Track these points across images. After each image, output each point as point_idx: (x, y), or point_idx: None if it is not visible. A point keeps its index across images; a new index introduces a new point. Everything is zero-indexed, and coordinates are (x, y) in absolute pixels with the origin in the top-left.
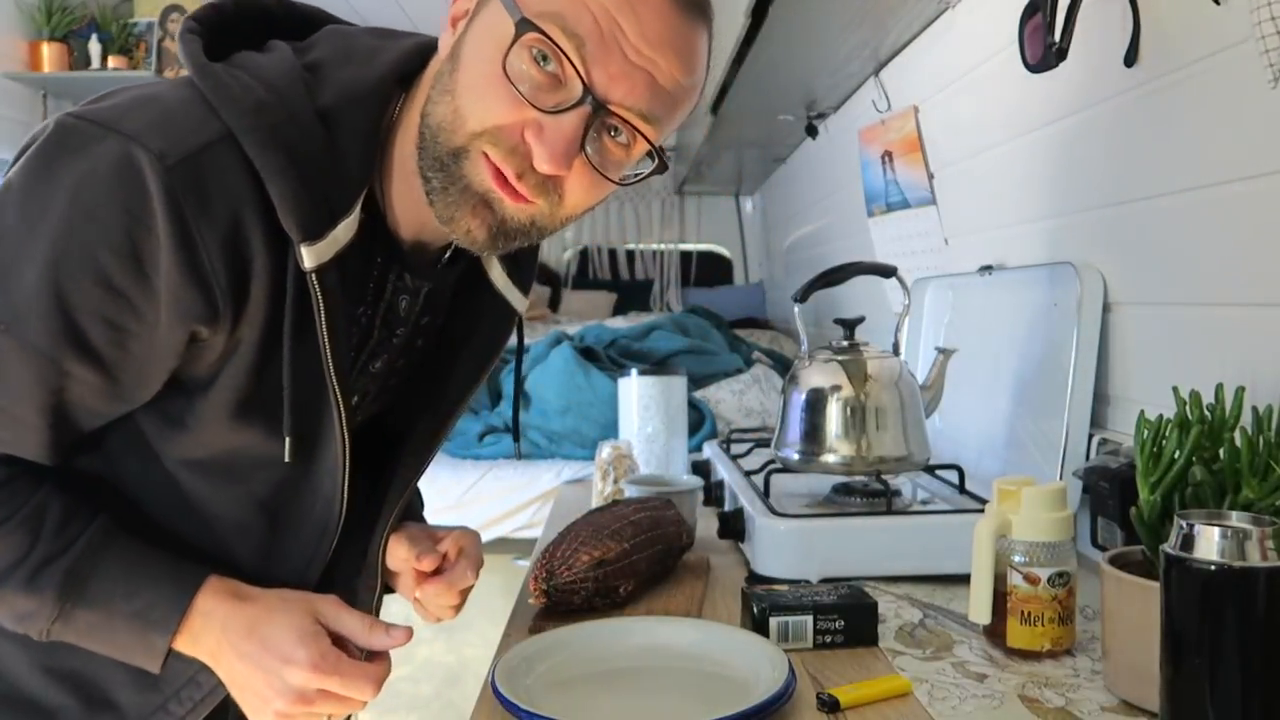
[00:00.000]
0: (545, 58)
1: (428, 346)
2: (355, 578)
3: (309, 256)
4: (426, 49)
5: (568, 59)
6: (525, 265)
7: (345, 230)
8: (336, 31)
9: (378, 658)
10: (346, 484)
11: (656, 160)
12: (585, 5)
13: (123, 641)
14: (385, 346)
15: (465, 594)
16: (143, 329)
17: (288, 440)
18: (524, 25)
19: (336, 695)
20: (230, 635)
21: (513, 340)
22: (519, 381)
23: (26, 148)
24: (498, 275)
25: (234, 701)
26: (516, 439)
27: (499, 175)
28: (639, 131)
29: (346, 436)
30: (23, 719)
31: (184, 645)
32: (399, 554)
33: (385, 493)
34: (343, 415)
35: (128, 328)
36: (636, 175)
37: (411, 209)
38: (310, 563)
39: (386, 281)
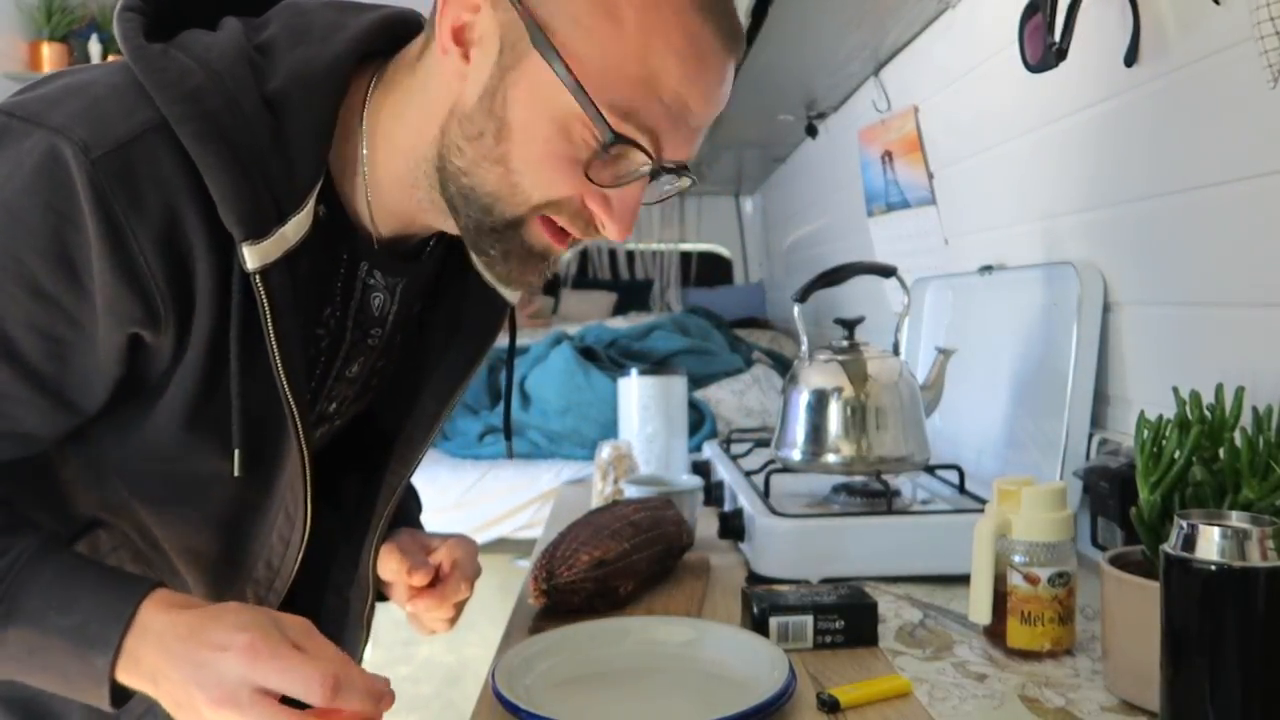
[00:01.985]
0: (611, 141)
1: (409, 339)
2: (348, 587)
3: (252, 257)
4: (393, 23)
5: (644, 150)
6: None
7: (296, 228)
8: (291, 6)
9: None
10: (309, 499)
11: (688, 180)
12: (656, 94)
13: (60, 663)
14: (360, 349)
15: (460, 606)
16: (80, 338)
17: (236, 453)
18: (614, 139)
19: (269, 701)
20: (168, 641)
21: (504, 337)
22: (510, 379)
23: None
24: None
25: None
26: (508, 437)
27: (559, 233)
28: (686, 174)
29: (305, 449)
30: None
31: (126, 669)
32: (390, 565)
33: (375, 497)
34: (299, 427)
35: (64, 338)
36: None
37: (393, 212)
38: (272, 581)
39: (355, 279)
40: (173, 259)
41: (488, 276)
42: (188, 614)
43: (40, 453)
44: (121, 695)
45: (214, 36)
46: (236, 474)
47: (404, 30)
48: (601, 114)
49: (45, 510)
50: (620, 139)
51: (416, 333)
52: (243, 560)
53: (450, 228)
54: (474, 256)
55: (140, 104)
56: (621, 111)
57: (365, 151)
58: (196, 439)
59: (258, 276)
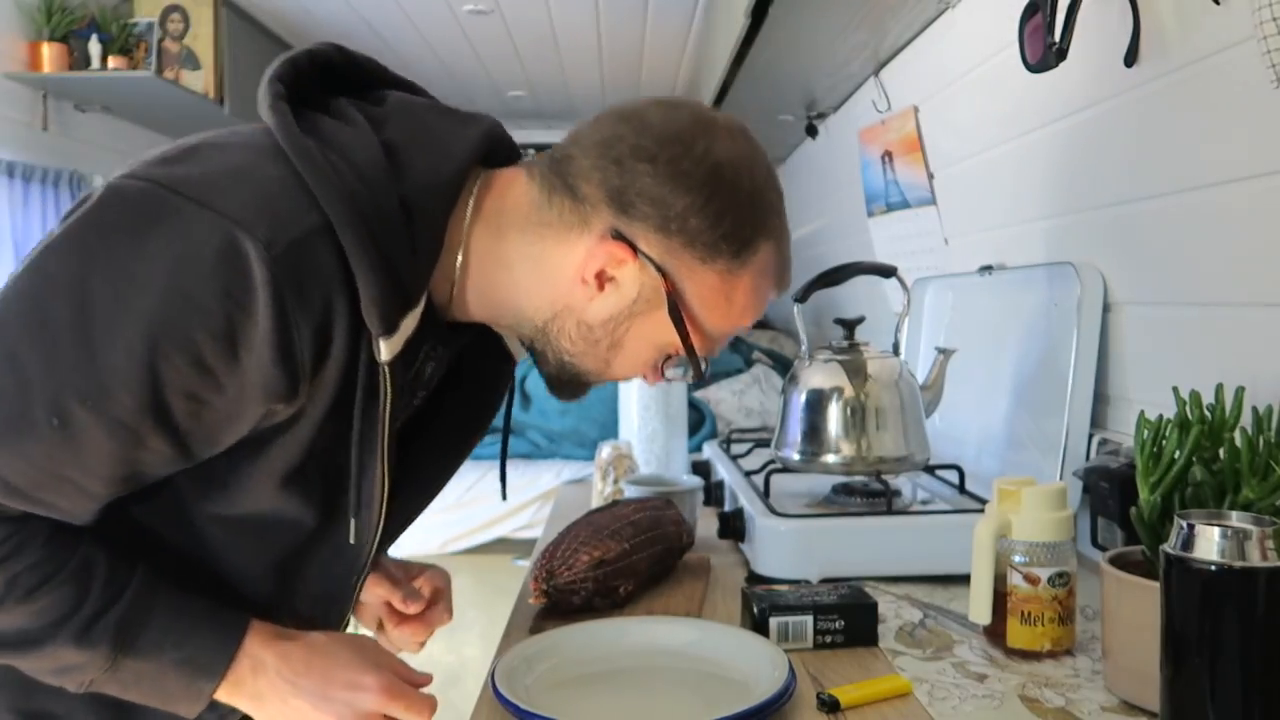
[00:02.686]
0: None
1: (432, 395)
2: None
3: (386, 349)
4: (492, 137)
5: (700, 365)
6: None
7: (412, 320)
8: (405, 107)
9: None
10: (375, 545)
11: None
12: (734, 324)
13: (168, 688)
14: (407, 408)
15: (433, 631)
16: (221, 401)
17: (353, 521)
18: (698, 367)
19: None
20: (286, 674)
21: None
22: (508, 425)
23: (84, 202)
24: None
25: None
26: (504, 481)
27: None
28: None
29: (384, 513)
30: None
31: (226, 691)
32: (376, 590)
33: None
34: (385, 491)
35: (209, 401)
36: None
37: (466, 310)
38: (312, 616)
39: (419, 351)
40: (321, 345)
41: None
42: (293, 646)
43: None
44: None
45: (352, 134)
46: (352, 541)
47: (497, 145)
48: (695, 351)
49: (117, 538)
50: (697, 365)
51: (437, 391)
52: (287, 596)
53: (515, 349)
54: (544, 383)
55: (307, 204)
56: (705, 347)
57: (460, 262)
58: (284, 493)
59: (386, 366)
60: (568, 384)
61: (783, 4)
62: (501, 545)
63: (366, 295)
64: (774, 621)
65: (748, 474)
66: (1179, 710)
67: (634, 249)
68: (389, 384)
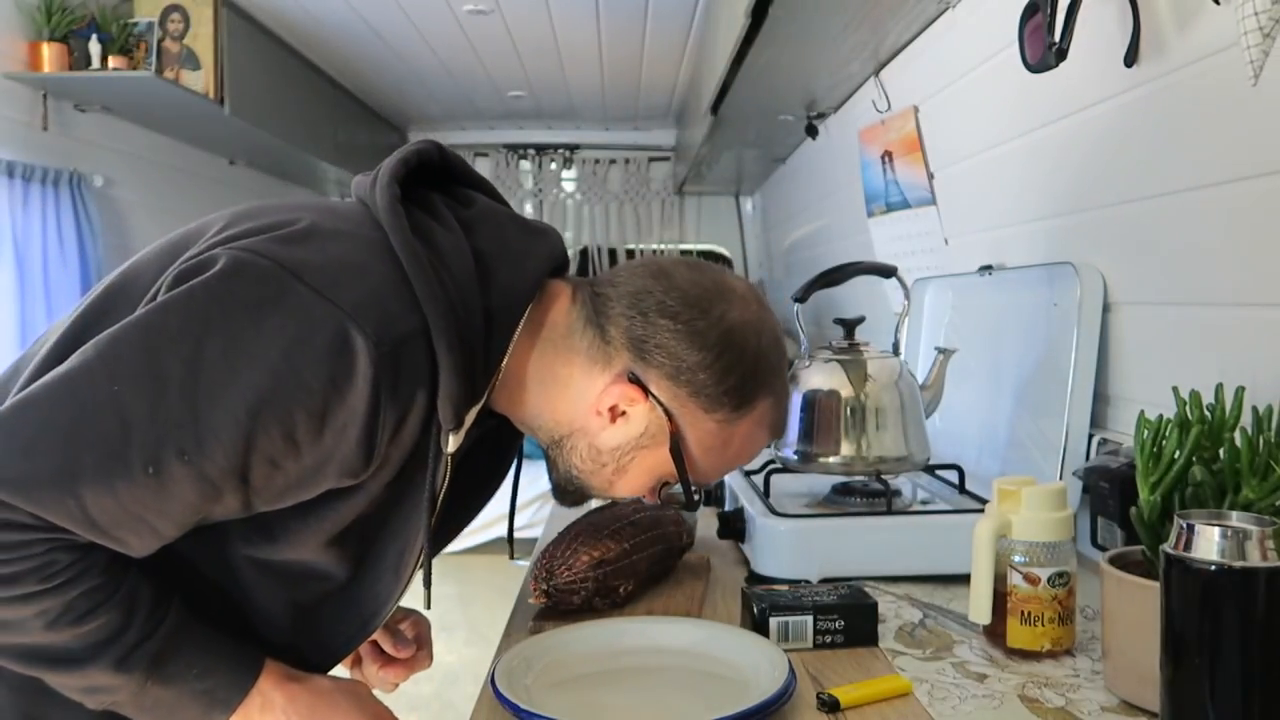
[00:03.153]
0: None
1: None
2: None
3: (453, 442)
4: (556, 253)
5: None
6: None
7: (472, 415)
8: (490, 216)
9: None
10: (396, 604)
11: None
12: (726, 466)
13: (182, 716)
14: None
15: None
16: (295, 468)
17: (428, 591)
18: (691, 500)
19: None
20: (291, 715)
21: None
22: (516, 488)
23: (203, 267)
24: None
25: None
26: (511, 539)
27: None
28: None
29: (413, 574)
30: None
31: None
32: None
33: None
34: (426, 561)
35: (285, 467)
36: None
37: (506, 410)
38: (320, 663)
39: None
40: (397, 431)
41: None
42: (300, 689)
43: None
44: None
45: (451, 241)
46: (427, 609)
47: (559, 267)
48: (692, 494)
49: (157, 567)
50: (691, 503)
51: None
52: (301, 641)
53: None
54: (551, 489)
55: (412, 306)
56: (701, 482)
57: (505, 364)
58: (326, 550)
59: (449, 456)
60: (571, 493)
61: (783, 4)
62: (501, 545)
63: (445, 394)
64: (774, 621)
65: (748, 474)
66: (1179, 710)
67: (646, 392)
68: (448, 470)
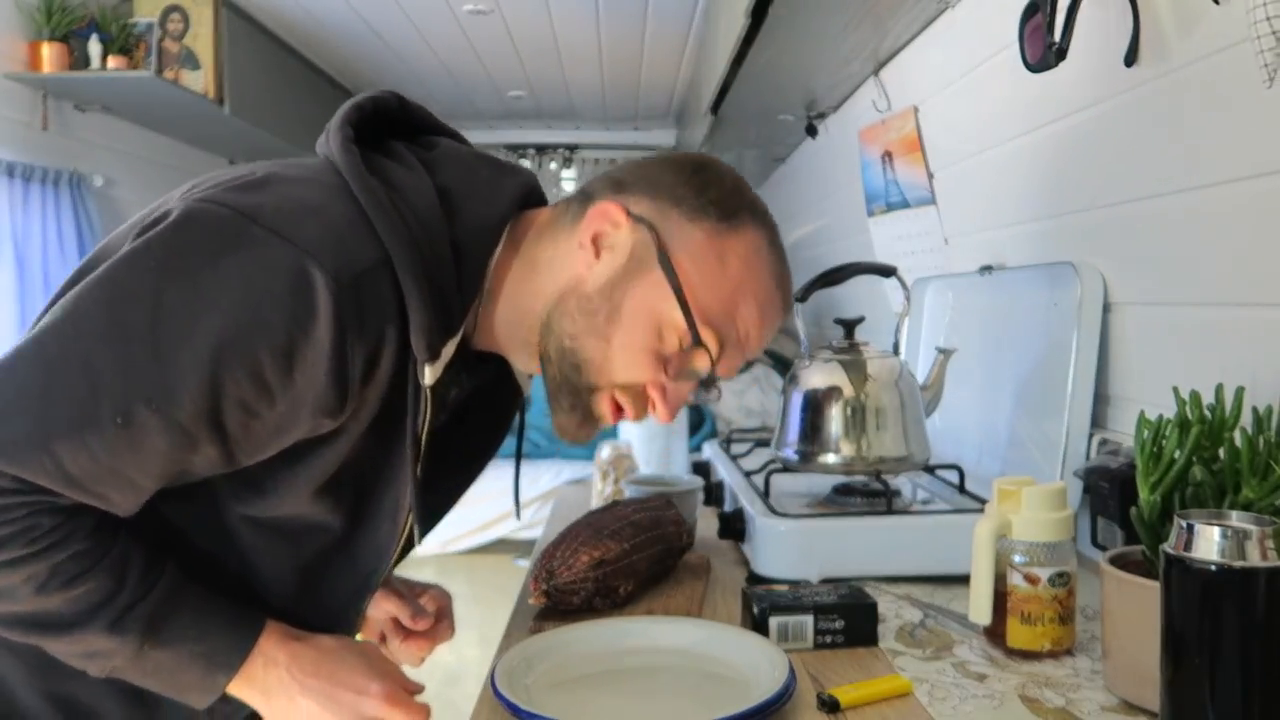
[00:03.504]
0: (691, 347)
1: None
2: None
3: (430, 374)
4: (530, 188)
5: (711, 359)
6: None
7: (451, 348)
8: (455, 156)
9: None
10: (397, 552)
11: (718, 394)
12: (736, 324)
13: (184, 679)
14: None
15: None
16: (272, 414)
17: (417, 528)
18: (697, 339)
19: None
20: (295, 673)
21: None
22: (520, 452)
23: (161, 220)
24: (518, 370)
25: None
26: (517, 503)
27: (618, 411)
28: (719, 386)
29: (410, 520)
30: None
31: (238, 685)
32: (384, 606)
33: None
34: (414, 503)
35: (260, 413)
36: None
37: (497, 341)
38: (328, 621)
39: (449, 376)
40: (369, 368)
41: (554, 421)
42: (305, 648)
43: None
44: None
45: (412, 179)
46: (417, 544)
47: (533, 196)
48: (694, 320)
49: (152, 533)
50: (699, 343)
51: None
52: (308, 599)
53: (530, 368)
54: (546, 395)
55: (371, 241)
56: (706, 324)
57: (489, 291)
58: (316, 501)
59: (428, 389)
60: (570, 391)
61: (783, 4)
62: (501, 545)
63: (416, 325)
64: (774, 621)
65: (748, 474)
66: (1179, 710)
67: (626, 211)
68: (429, 405)
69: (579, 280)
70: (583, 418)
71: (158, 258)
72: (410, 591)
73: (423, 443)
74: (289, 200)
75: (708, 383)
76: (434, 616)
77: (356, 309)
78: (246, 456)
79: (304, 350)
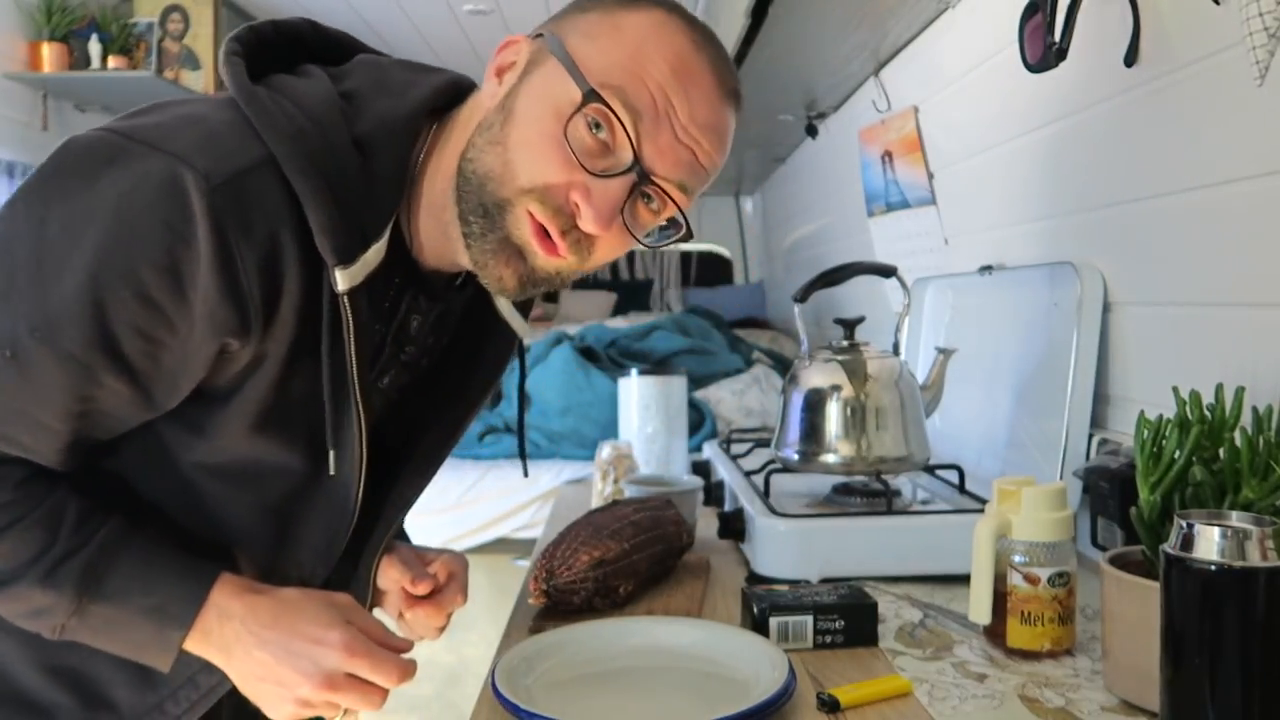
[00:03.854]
0: (600, 125)
1: (432, 366)
2: (351, 590)
3: (342, 280)
4: (458, 85)
5: (625, 130)
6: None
7: (375, 254)
8: (370, 62)
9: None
10: (360, 495)
11: (684, 228)
12: (644, 82)
13: (137, 637)
14: (392, 363)
15: (450, 615)
16: (175, 342)
17: (331, 454)
18: (591, 96)
19: (360, 684)
20: (251, 625)
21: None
22: (522, 394)
23: (57, 161)
24: (503, 303)
25: (227, 704)
26: (523, 454)
27: (540, 231)
28: (674, 202)
29: (364, 450)
30: (21, 718)
31: (195, 641)
32: (390, 574)
33: (382, 508)
34: (363, 429)
35: (162, 340)
36: (666, 238)
37: (435, 239)
38: (315, 569)
39: (402, 301)
40: (269, 279)
41: (470, 259)
42: (262, 599)
43: (104, 443)
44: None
45: (306, 83)
46: (332, 473)
47: (461, 92)
48: (583, 76)
49: (105, 496)
50: (597, 97)
51: (438, 362)
52: (289, 548)
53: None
54: (461, 234)
55: (251, 141)
56: (608, 88)
57: (421, 193)
58: (262, 438)
59: (345, 297)
60: (481, 216)
61: (783, 4)
62: (501, 545)
63: (316, 224)
64: (774, 621)
65: (748, 474)
66: (1179, 710)
67: (526, 37)
68: (349, 315)
69: (484, 114)
70: (503, 249)
71: (38, 189)
72: (418, 558)
73: (353, 357)
74: (170, 116)
75: (650, 203)
76: (442, 581)
77: (237, 210)
78: (164, 393)
79: (186, 261)
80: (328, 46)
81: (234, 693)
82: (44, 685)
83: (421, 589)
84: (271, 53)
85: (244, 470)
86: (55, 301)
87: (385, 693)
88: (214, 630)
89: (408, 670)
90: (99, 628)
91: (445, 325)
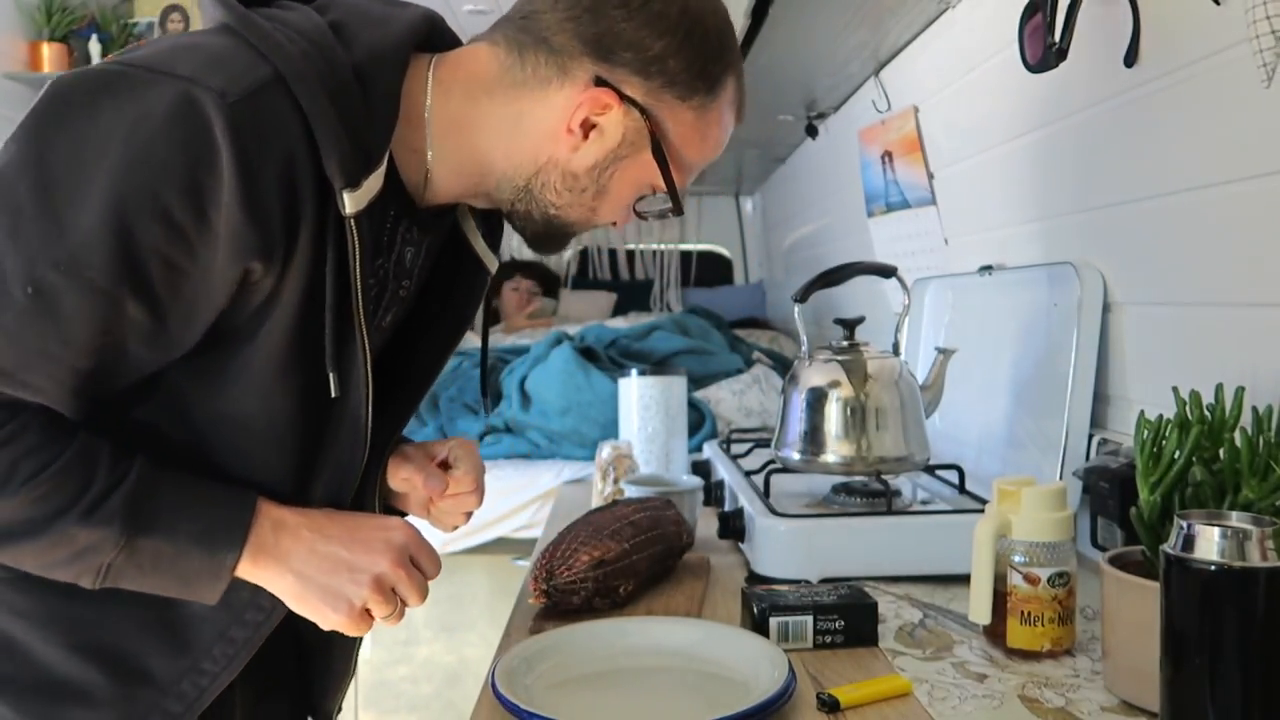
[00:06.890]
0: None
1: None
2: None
3: (350, 202)
4: (432, 21)
5: (679, 211)
6: (496, 226)
7: (375, 180)
8: (343, 1)
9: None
10: (369, 427)
11: (672, 206)
12: (707, 156)
13: (186, 568)
14: (394, 300)
15: (482, 495)
16: (196, 270)
17: (332, 376)
18: (678, 209)
19: (395, 599)
20: (311, 527)
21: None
22: (486, 334)
23: (49, 97)
24: (475, 236)
25: (240, 701)
26: (485, 394)
27: None
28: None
29: (369, 375)
30: (57, 702)
31: (248, 561)
32: (401, 474)
33: (381, 438)
34: (367, 359)
35: (183, 268)
36: (660, 211)
37: (444, 184)
38: (342, 487)
39: (397, 234)
40: (288, 198)
41: (512, 225)
42: (311, 509)
43: (125, 396)
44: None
45: (293, 14)
46: (334, 395)
47: (435, 30)
48: (676, 193)
49: (124, 442)
50: (679, 211)
51: (416, 292)
52: (307, 484)
53: (480, 203)
54: (507, 214)
55: (258, 61)
56: (687, 172)
57: (431, 137)
58: (283, 378)
59: (352, 220)
60: (554, 237)
61: (783, 4)
62: (501, 545)
63: (326, 146)
64: (774, 621)
65: (748, 474)
66: (1179, 710)
67: (619, 94)
68: (356, 238)
69: (563, 158)
70: (560, 244)
71: (32, 128)
72: (425, 454)
73: (358, 280)
74: (165, 46)
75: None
76: (442, 479)
77: (256, 126)
78: (181, 324)
79: (209, 182)
80: None
81: (247, 686)
82: (74, 665)
83: (437, 492)
84: None
85: (262, 416)
86: (75, 234)
87: (427, 587)
88: (268, 542)
89: (426, 590)
90: (147, 565)
91: (430, 255)
